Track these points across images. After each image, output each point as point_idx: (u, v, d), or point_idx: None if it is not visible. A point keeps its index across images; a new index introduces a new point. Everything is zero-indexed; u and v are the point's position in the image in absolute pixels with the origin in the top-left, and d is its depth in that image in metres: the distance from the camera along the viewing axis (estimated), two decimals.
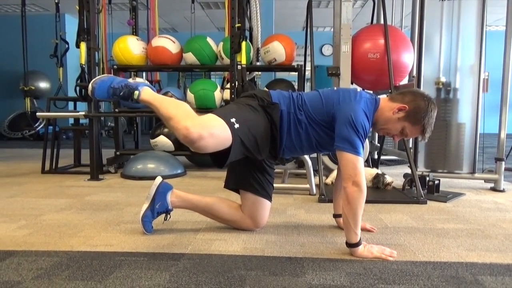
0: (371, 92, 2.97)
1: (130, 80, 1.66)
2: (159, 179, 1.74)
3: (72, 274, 1.31)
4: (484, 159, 4.10)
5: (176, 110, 1.48)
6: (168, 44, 3.63)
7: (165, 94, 3.70)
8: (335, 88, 1.66)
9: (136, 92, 1.54)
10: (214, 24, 9.54)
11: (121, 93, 1.56)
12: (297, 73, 3.69)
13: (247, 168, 1.72)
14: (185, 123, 1.39)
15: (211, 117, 1.49)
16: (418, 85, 2.86)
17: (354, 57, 3.11)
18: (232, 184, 1.80)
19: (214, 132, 1.42)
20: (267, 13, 6.95)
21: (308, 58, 3.80)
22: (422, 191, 2.48)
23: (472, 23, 2.84)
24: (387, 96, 1.68)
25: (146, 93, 1.56)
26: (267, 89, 1.72)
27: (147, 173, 3.18)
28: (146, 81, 1.68)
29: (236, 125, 1.48)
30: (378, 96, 1.64)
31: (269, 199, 1.77)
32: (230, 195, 1.87)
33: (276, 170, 1.92)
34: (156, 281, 1.26)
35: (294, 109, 1.60)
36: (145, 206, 1.72)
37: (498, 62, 2.82)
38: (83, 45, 3.19)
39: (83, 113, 3.26)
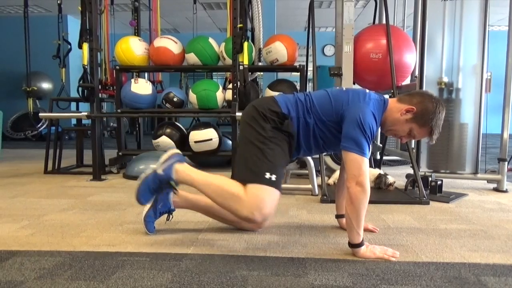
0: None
1: (159, 164, 1.68)
2: None
3: (74, 274, 1.31)
4: (487, 160, 4.10)
5: (222, 198, 1.54)
6: (170, 44, 3.64)
7: (167, 94, 3.71)
8: (344, 88, 1.65)
9: (173, 183, 1.62)
10: (216, 25, 9.55)
11: (163, 190, 1.66)
12: (299, 73, 3.69)
13: None
14: (243, 214, 1.48)
15: (254, 189, 1.48)
16: (421, 85, 2.85)
17: (356, 57, 3.10)
18: None
19: (268, 203, 1.48)
20: (269, 13, 6.95)
21: (310, 59, 3.80)
22: (424, 192, 2.48)
23: (474, 23, 2.83)
24: (394, 96, 1.67)
25: (181, 177, 1.61)
26: (272, 95, 1.69)
27: None
28: (170, 153, 1.67)
29: (273, 177, 1.50)
30: (387, 97, 1.64)
31: None
32: None
33: None
34: (159, 281, 1.26)
35: (303, 113, 1.59)
36: (148, 206, 1.72)
37: (501, 62, 2.81)
38: (85, 46, 3.19)
39: (86, 113, 3.27)
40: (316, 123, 1.59)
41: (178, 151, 1.72)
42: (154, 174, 1.65)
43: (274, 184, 1.50)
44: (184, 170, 1.63)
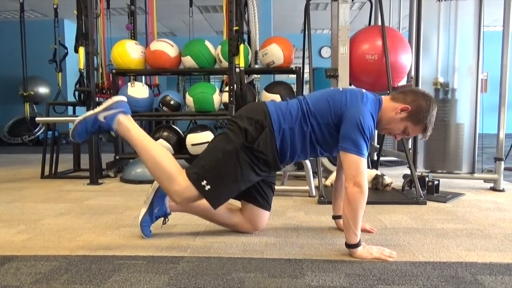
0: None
1: (102, 108, 1.60)
2: (157, 183, 1.73)
3: (70, 278, 1.30)
4: (484, 159, 4.10)
5: (157, 171, 1.56)
6: (166, 48, 3.64)
7: (164, 97, 3.70)
8: (340, 89, 1.64)
9: (113, 133, 1.60)
10: (213, 28, 9.56)
11: (100, 133, 1.65)
12: (295, 75, 3.69)
13: None
14: (171, 194, 1.56)
15: (185, 182, 1.53)
16: (416, 86, 2.86)
17: (352, 59, 3.11)
18: (236, 196, 1.74)
19: (187, 201, 1.58)
20: (265, 15, 6.95)
21: (307, 61, 3.81)
22: (421, 192, 2.48)
23: (469, 24, 2.84)
24: (389, 95, 1.67)
25: (120, 131, 1.58)
26: (264, 102, 1.66)
27: (146, 177, 3.17)
28: (115, 99, 1.59)
29: (207, 187, 1.53)
30: (381, 96, 1.64)
31: (270, 208, 1.78)
32: None
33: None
34: (155, 284, 1.26)
35: (298, 122, 1.56)
36: (143, 210, 1.71)
37: (497, 62, 2.82)
38: (81, 50, 3.19)
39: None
40: (313, 129, 1.57)
41: (123, 98, 1.63)
42: (95, 119, 1.58)
43: (205, 194, 1.53)
44: (126, 125, 1.58)
